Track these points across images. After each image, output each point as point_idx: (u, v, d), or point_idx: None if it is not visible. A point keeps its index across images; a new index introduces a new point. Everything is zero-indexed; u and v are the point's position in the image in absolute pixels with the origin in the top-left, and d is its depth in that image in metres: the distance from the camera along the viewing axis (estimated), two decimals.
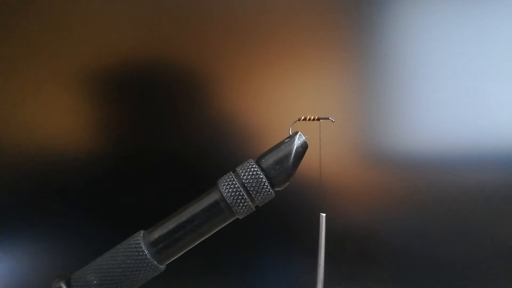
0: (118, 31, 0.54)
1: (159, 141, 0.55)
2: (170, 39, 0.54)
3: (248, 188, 0.33)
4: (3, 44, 0.54)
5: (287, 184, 0.34)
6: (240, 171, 0.34)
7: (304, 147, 0.34)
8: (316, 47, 0.54)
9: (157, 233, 0.34)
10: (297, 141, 0.34)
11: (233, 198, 0.33)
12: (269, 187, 0.33)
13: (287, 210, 0.55)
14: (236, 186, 0.33)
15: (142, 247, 0.33)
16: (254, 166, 0.33)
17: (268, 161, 0.33)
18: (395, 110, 0.54)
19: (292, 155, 0.33)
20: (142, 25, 0.54)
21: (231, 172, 0.34)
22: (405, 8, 0.53)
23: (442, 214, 0.55)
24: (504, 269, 0.55)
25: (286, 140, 0.34)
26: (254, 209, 0.34)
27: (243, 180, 0.33)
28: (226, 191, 0.33)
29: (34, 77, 0.54)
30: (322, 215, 0.38)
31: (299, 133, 0.35)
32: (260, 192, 0.33)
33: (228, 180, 0.34)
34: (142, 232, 0.34)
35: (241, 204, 0.33)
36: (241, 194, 0.33)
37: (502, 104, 0.54)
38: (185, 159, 0.56)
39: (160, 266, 0.34)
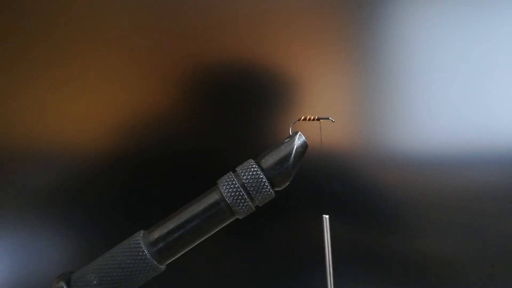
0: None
1: (158, 141, 0.55)
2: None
3: (248, 188, 0.33)
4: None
5: (287, 184, 0.34)
6: (240, 171, 0.34)
7: (304, 147, 0.34)
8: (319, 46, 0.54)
9: (157, 233, 0.34)
10: (297, 141, 0.34)
11: (233, 198, 0.33)
12: (269, 187, 0.33)
13: (289, 212, 0.55)
14: (236, 186, 0.33)
15: (142, 247, 0.33)
16: (254, 166, 0.33)
17: (268, 161, 0.34)
18: (396, 110, 0.54)
19: (292, 155, 0.33)
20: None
21: (231, 172, 0.35)
22: (407, 8, 0.53)
23: (443, 214, 0.55)
24: (505, 268, 0.55)
25: (286, 140, 0.34)
26: (254, 209, 0.34)
27: (243, 180, 0.33)
28: (226, 191, 0.33)
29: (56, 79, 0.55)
30: (325, 217, 0.38)
31: (299, 133, 0.35)
32: (260, 192, 0.33)
33: (228, 180, 0.34)
34: (142, 232, 0.34)
35: (241, 204, 0.33)
36: (241, 194, 0.33)
37: (503, 104, 0.54)
38: (184, 159, 0.56)
39: (160, 266, 0.34)
